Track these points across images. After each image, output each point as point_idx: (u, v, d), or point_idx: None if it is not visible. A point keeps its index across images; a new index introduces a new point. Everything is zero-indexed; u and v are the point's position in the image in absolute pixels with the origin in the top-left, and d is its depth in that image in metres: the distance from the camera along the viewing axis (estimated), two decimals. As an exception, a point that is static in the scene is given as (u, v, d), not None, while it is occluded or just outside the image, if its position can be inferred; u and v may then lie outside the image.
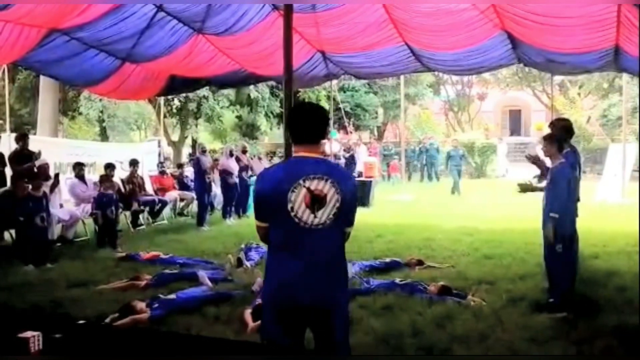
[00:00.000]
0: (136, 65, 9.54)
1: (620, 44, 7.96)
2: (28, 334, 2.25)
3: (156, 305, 5.32)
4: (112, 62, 9.18)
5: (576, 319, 5.07)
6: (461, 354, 4.38)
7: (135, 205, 10.64)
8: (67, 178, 10.44)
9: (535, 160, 5.94)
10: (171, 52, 8.85)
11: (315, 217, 2.73)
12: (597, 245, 8.09)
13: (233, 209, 11.50)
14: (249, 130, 23.04)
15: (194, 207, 11.85)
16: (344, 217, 2.82)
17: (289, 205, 2.71)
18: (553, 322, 5.04)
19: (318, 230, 2.74)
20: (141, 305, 5.26)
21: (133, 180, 11.09)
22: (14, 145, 9.36)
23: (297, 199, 2.72)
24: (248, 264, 7.13)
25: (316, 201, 2.73)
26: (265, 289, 2.95)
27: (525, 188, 5.74)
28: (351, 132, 24.35)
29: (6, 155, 9.33)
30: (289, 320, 2.79)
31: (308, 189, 2.72)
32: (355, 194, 2.90)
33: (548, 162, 5.59)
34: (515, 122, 39.09)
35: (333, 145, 17.56)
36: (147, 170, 13.08)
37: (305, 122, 2.86)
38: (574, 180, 5.37)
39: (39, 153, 9.00)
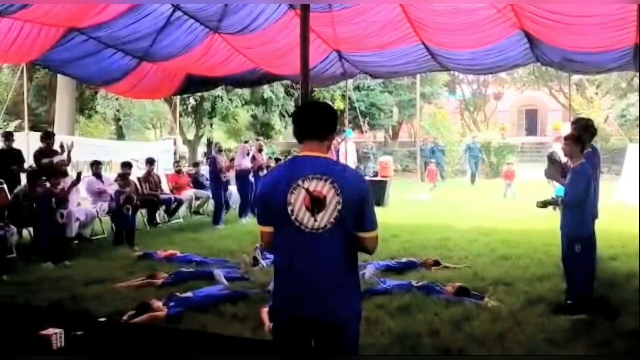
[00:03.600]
0: (153, 64, 9.60)
1: (638, 42, 7.87)
2: (50, 331, 2.27)
3: (172, 303, 5.35)
4: (129, 61, 9.24)
5: (595, 321, 5.02)
6: (477, 354, 4.36)
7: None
8: (85, 176, 10.52)
9: (555, 162, 5.88)
10: (187, 51, 8.89)
11: (315, 220, 2.55)
12: (616, 247, 7.98)
13: (249, 207, 11.51)
14: (264, 130, 23.09)
15: (210, 205, 11.90)
16: (349, 220, 2.56)
17: (289, 208, 2.56)
18: (571, 324, 4.99)
19: (320, 235, 2.55)
20: (158, 303, 5.29)
21: (149, 179, 11.15)
22: (32, 143, 9.47)
23: (297, 201, 2.56)
24: (264, 262, 7.15)
25: (315, 203, 2.55)
26: (272, 297, 2.83)
27: (544, 203, 5.64)
28: (366, 132, 24.30)
29: (24, 152, 9.46)
30: (293, 333, 2.64)
31: (307, 190, 2.56)
32: (364, 196, 2.61)
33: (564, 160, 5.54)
34: (531, 121, 38.83)
35: (348, 145, 17.52)
36: (163, 169, 13.16)
37: (308, 120, 2.74)
38: (594, 181, 5.32)
39: (72, 144, 9.14)
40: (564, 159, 6.02)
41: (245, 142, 14.67)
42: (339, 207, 2.53)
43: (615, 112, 24.47)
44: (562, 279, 5.77)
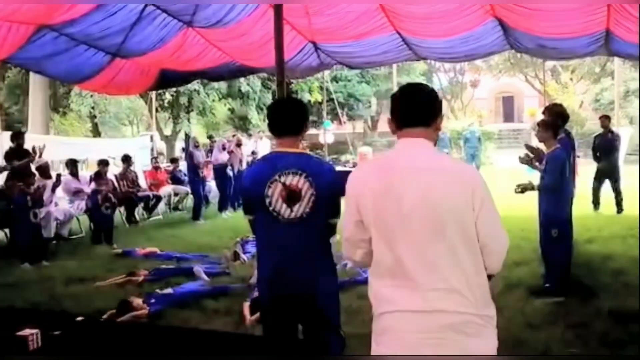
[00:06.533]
0: (126, 60, 9.47)
1: (610, 27, 7.96)
2: (26, 331, 2.25)
3: (153, 300, 5.33)
4: (102, 58, 9.09)
5: (572, 303, 5.11)
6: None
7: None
8: (60, 175, 10.38)
9: (533, 150, 5.94)
10: (161, 46, 8.77)
11: (291, 211, 2.81)
12: (592, 230, 8.13)
13: (229, 202, 11.47)
14: (242, 123, 22.97)
15: (189, 201, 11.83)
16: (322, 210, 2.84)
17: (267, 200, 2.81)
18: (550, 307, 5.07)
19: (296, 224, 2.82)
20: (138, 301, 5.27)
21: (127, 176, 11.05)
22: (5, 143, 9.31)
23: (274, 194, 2.80)
24: (245, 257, 7.15)
25: (292, 196, 2.80)
26: (257, 280, 3.11)
27: (524, 188, 5.70)
28: (344, 123, 24.32)
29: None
30: (278, 310, 2.92)
31: (283, 184, 2.80)
32: (335, 186, 2.86)
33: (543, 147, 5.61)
34: (508, 108, 39.17)
35: (327, 136, 17.55)
36: (141, 166, 13.04)
37: (282, 117, 2.94)
38: (569, 166, 5.39)
39: (44, 146, 9.00)
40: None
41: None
42: (314, 198, 2.80)
43: (589, 97, 24.81)
44: (540, 264, 5.86)
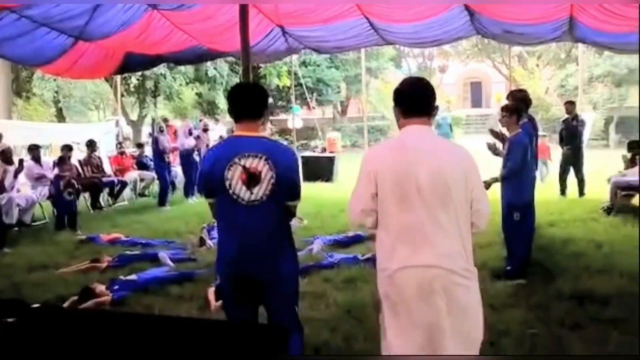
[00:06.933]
0: (90, 43, 9.26)
1: (574, 14, 8.08)
2: (-23, 320, 2.20)
3: (117, 287, 5.27)
4: (64, 41, 8.87)
5: (533, 285, 5.22)
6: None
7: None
8: (23, 161, 10.15)
9: (497, 135, 6.01)
10: (125, 28, 8.59)
11: (251, 193, 2.85)
12: (554, 214, 8.29)
13: (195, 188, 11.36)
14: (210, 108, 22.71)
15: (156, 187, 11.69)
16: (282, 193, 2.89)
17: (227, 183, 2.85)
18: (510, 289, 5.17)
19: (255, 206, 2.86)
20: (101, 287, 5.22)
21: (91, 162, 10.86)
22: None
23: (234, 177, 2.84)
24: (210, 242, 7.10)
25: (251, 178, 2.84)
26: (216, 261, 3.12)
27: (488, 185, 5.77)
28: (313, 108, 24.25)
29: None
30: (238, 292, 2.98)
31: (243, 166, 2.84)
32: (294, 170, 2.99)
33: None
34: (476, 94, 39.54)
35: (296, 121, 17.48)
36: (106, 151, 12.81)
37: (242, 101, 2.98)
38: (531, 150, 5.47)
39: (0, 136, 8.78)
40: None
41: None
42: (273, 181, 2.84)
43: (555, 83, 25.18)
44: (504, 246, 5.95)
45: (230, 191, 2.85)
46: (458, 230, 2.50)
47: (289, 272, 3.02)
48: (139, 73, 17.51)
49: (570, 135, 10.09)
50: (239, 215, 2.88)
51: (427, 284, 2.45)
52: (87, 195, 10.38)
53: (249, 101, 2.98)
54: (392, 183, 2.51)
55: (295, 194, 2.98)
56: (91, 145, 11.07)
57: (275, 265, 2.93)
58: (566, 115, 10.38)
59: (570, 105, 10.48)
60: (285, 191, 2.91)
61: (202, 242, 7.13)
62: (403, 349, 2.52)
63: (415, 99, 2.65)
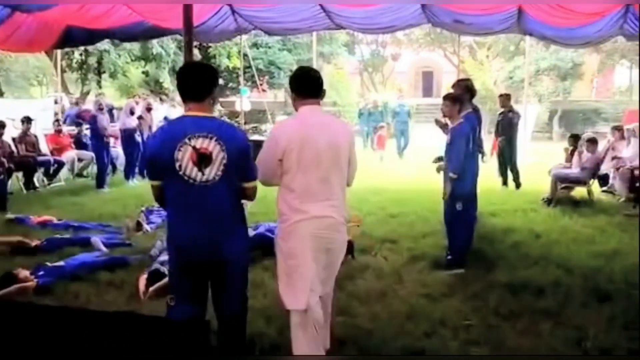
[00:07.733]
0: (27, 14, 8.76)
1: (523, 6, 8.13)
2: None
3: (42, 272, 4.99)
4: (0, 11, 8.37)
5: (471, 275, 5.22)
6: (360, 312, 4.39)
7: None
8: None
9: (442, 126, 5.95)
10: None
11: (203, 174, 2.82)
12: (496, 204, 8.37)
13: (136, 169, 10.98)
14: (157, 87, 22.09)
15: (94, 168, 11.23)
16: (234, 173, 2.89)
17: (177, 164, 2.80)
18: (449, 279, 5.16)
19: (207, 187, 2.84)
20: (24, 273, 4.92)
21: (26, 139, 10.34)
22: None
23: (184, 157, 2.80)
24: (147, 227, 6.85)
25: (202, 159, 2.81)
26: (166, 243, 3.12)
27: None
28: (265, 91, 23.90)
29: None
30: (188, 273, 2.96)
31: (194, 147, 2.79)
32: (246, 151, 2.96)
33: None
34: (428, 83, 39.93)
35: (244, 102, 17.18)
36: (41, 129, 12.21)
37: (191, 80, 2.93)
38: (473, 141, 5.43)
39: None
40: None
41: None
42: (225, 161, 2.84)
43: (503, 75, 25.59)
44: (445, 236, 5.93)
45: (181, 172, 2.81)
46: (340, 188, 3.25)
47: (242, 253, 3.04)
48: (82, 48, 16.84)
49: (506, 127, 10.22)
50: (191, 197, 2.85)
51: (324, 229, 3.16)
52: (20, 174, 9.88)
53: (199, 80, 2.92)
54: (298, 151, 3.08)
55: (249, 175, 3.00)
56: (27, 121, 10.52)
57: (230, 246, 2.93)
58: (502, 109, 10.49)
59: (505, 98, 10.58)
60: (238, 172, 2.91)
61: (139, 226, 6.84)
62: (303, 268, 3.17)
63: (310, 85, 3.26)
